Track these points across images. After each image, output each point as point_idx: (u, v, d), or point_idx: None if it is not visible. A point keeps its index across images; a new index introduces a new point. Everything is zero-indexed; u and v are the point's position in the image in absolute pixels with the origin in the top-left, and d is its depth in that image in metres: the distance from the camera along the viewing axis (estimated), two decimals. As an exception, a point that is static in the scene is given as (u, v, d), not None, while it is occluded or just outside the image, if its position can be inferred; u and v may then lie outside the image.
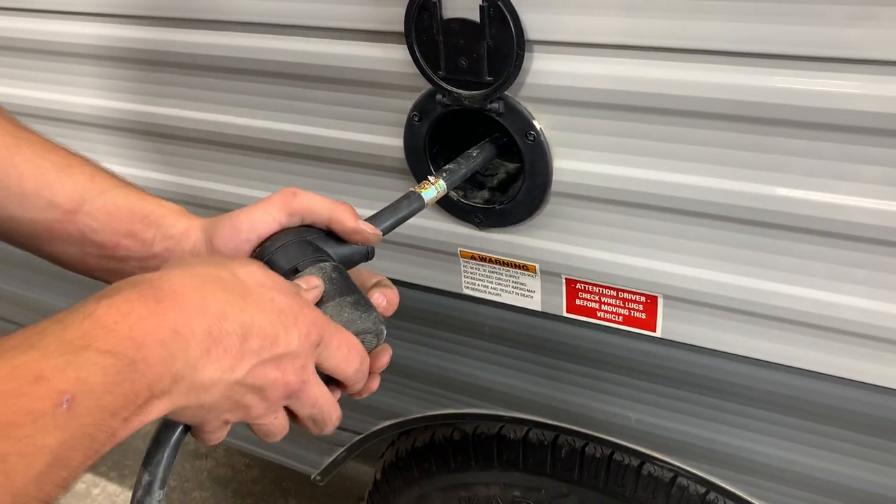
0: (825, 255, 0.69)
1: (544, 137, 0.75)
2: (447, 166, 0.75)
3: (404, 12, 0.72)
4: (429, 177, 0.73)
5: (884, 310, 0.68)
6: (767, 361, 0.77)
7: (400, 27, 0.73)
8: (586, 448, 0.98)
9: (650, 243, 0.76)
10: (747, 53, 0.62)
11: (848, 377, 0.74)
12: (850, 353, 0.72)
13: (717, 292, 0.75)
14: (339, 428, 1.15)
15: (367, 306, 0.58)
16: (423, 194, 0.70)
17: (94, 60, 0.98)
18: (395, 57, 0.76)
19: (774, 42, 0.61)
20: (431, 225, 0.87)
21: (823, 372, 0.74)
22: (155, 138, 1.00)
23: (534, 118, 0.74)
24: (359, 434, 1.14)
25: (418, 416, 1.07)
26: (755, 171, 0.67)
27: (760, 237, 0.70)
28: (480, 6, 0.68)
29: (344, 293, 0.56)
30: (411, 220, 0.88)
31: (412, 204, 0.69)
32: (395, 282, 0.94)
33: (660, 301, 0.78)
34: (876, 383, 0.73)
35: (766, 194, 0.68)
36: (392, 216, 0.67)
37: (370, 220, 0.66)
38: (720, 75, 0.64)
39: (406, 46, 0.74)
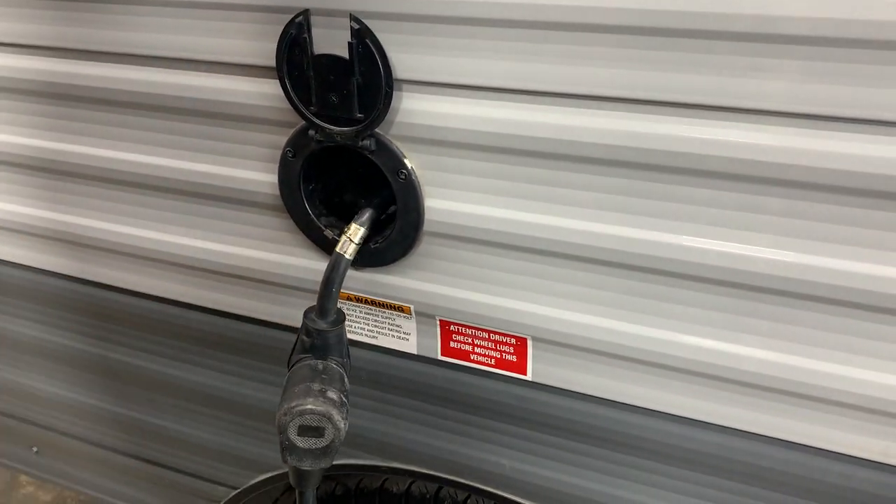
0: (691, 300, 0.70)
1: (415, 176, 0.75)
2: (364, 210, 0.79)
3: (276, 47, 0.72)
4: (349, 227, 0.77)
5: (754, 355, 0.69)
6: (639, 407, 0.77)
7: (272, 62, 0.73)
8: (468, 500, 0.96)
9: (519, 284, 0.76)
10: (614, 98, 0.64)
11: (718, 423, 0.74)
12: (722, 400, 0.73)
13: (585, 335, 0.75)
14: (214, 482, 1.10)
15: None
16: (346, 255, 0.77)
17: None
18: (269, 92, 0.76)
19: (640, 88, 0.62)
20: (307, 264, 0.85)
21: (694, 418, 0.75)
22: (20, 170, 0.96)
23: (405, 157, 0.74)
24: (235, 489, 1.08)
25: (297, 467, 1.02)
26: (622, 214, 0.69)
27: (628, 280, 0.71)
28: (349, 43, 0.69)
29: None
30: (283, 259, 0.87)
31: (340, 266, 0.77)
32: (267, 324, 0.92)
33: (529, 343, 0.78)
34: (743, 429, 0.73)
35: (634, 238, 0.69)
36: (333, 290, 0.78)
37: (323, 304, 0.77)
38: (586, 119, 0.66)
39: (279, 81, 0.74)
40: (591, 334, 0.75)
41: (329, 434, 0.75)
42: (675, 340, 0.72)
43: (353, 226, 0.78)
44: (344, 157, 0.78)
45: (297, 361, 0.79)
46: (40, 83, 0.88)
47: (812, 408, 0.70)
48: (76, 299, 1.04)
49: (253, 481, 1.06)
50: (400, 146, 0.74)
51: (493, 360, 0.81)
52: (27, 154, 0.94)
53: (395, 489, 1.02)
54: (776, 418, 0.72)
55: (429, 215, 0.76)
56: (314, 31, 0.70)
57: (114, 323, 1.04)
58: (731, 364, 0.70)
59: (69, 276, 1.03)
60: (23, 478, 2.16)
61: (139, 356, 1.04)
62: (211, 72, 0.78)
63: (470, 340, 0.81)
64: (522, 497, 0.88)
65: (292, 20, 0.70)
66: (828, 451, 0.71)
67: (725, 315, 0.69)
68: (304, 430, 0.75)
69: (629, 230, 0.69)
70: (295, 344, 0.80)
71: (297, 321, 0.89)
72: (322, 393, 0.75)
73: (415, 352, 0.85)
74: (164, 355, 1.02)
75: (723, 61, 0.59)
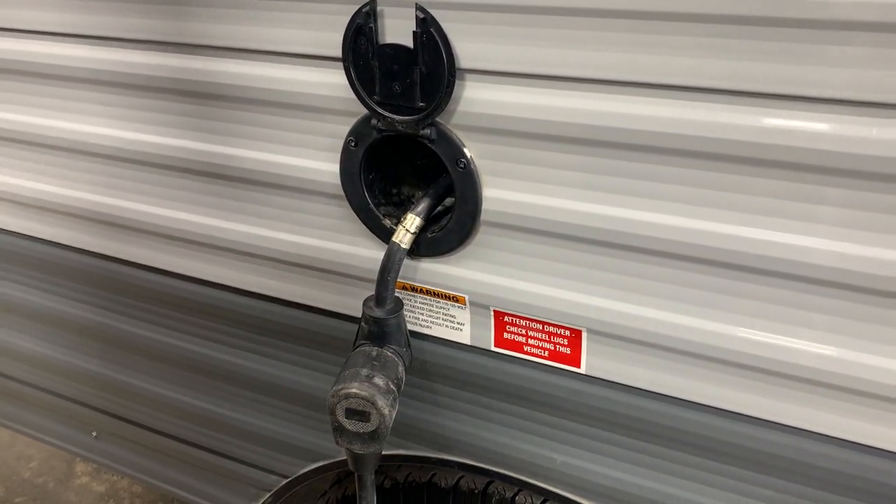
0: (758, 294, 0.69)
1: (474, 165, 0.76)
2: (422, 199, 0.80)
3: (342, 37, 0.74)
4: (406, 216, 0.79)
5: (840, 356, 0.67)
6: (694, 402, 0.76)
7: (337, 52, 0.75)
8: (517, 496, 0.95)
9: (575, 275, 0.76)
10: (677, 87, 0.64)
11: (776, 420, 0.73)
12: (782, 396, 0.71)
13: (641, 327, 0.75)
14: (266, 470, 1.12)
15: None
16: (402, 244, 0.79)
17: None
18: (333, 81, 0.78)
19: (708, 76, 0.62)
20: (362, 253, 0.86)
21: (753, 415, 0.73)
22: (81, 157, 1.00)
23: (464, 146, 0.75)
24: (286, 477, 1.10)
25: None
26: (680, 204, 0.68)
27: (685, 272, 0.71)
28: (414, 32, 0.71)
29: None
30: (341, 248, 0.88)
31: (396, 255, 0.80)
32: (325, 312, 0.94)
33: (584, 335, 0.78)
34: (807, 428, 0.72)
35: (692, 228, 0.68)
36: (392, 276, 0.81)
37: (379, 293, 0.80)
38: (648, 108, 0.66)
39: (343, 71, 0.76)
40: (647, 327, 0.74)
41: (374, 419, 0.76)
42: (731, 334, 0.71)
43: (410, 215, 0.79)
44: (404, 147, 0.80)
45: (356, 347, 0.80)
46: (115, 73, 0.92)
47: (875, 406, 0.68)
48: (138, 285, 1.08)
49: (304, 470, 1.08)
50: (460, 135, 0.75)
51: (546, 352, 0.81)
52: (104, 143, 0.98)
53: (443, 483, 1.02)
54: (835, 416, 0.70)
55: (486, 205, 0.77)
56: (379, 21, 0.72)
57: (174, 309, 1.07)
58: (789, 359, 0.69)
59: (132, 263, 1.07)
60: (78, 469, 2.23)
61: (199, 343, 1.07)
62: (276, 62, 0.81)
63: (524, 332, 0.81)
64: (573, 493, 0.87)
65: (359, 10, 0.72)
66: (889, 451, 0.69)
67: (783, 308, 0.68)
68: (351, 414, 0.77)
69: (686, 221, 0.69)
70: (357, 331, 0.82)
71: (353, 310, 0.91)
72: (369, 378, 0.77)
73: (468, 342, 0.86)
74: (224, 343, 1.04)
75: (786, 48, 0.59)
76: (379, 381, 0.77)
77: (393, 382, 0.79)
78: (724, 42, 0.60)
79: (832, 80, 0.58)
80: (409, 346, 0.84)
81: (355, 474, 0.84)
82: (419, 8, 0.69)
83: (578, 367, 0.80)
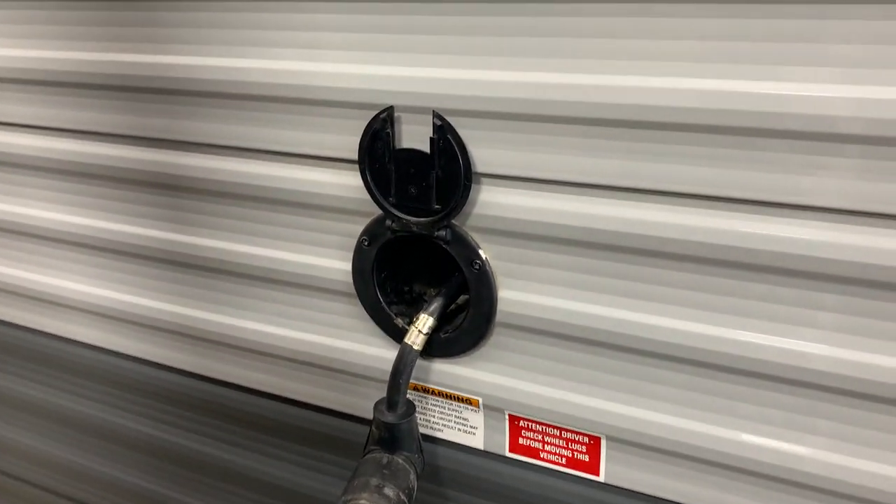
0: (784, 403, 0.67)
1: (489, 267, 0.75)
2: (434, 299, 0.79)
3: (359, 141, 0.75)
4: (418, 317, 0.78)
5: (876, 471, 0.66)
6: (717, 515, 0.73)
7: (354, 155, 0.76)
8: None
9: (594, 380, 0.74)
10: (688, 195, 0.64)
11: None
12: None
13: (662, 435, 0.72)
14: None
15: None
16: (414, 346, 0.78)
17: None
18: (348, 183, 0.78)
19: (710, 185, 0.63)
20: (373, 352, 0.85)
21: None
22: (101, 253, 1.00)
23: (479, 247, 0.75)
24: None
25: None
26: (692, 309, 0.68)
27: (709, 380, 0.69)
28: (431, 139, 0.71)
29: None
30: (353, 347, 0.87)
31: (408, 358, 0.79)
32: (335, 413, 0.91)
33: (603, 442, 0.76)
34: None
35: (712, 335, 0.67)
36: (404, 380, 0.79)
37: (391, 397, 0.78)
38: (660, 214, 0.66)
39: (359, 173, 0.76)
40: (668, 435, 0.72)
41: None
42: (767, 446, 0.69)
43: (422, 316, 0.78)
44: (417, 247, 0.80)
45: (367, 453, 0.78)
46: (136, 171, 0.93)
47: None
48: (130, 377, 1.06)
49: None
50: (475, 237, 0.75)
51: (563, 458, 0.78)
52: (119, 240, 0.98)
53: None
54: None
55: (502, 306, 0.76)
56: (396, 127, 0.73)
57: (167, 403, 1.04)
58: (842, 477, 0.67)
59: (127, 356, 1.04)
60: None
61: (196, 440, 1.04)
62: (292, 163, 0.81)
63: (540, 437, 0.79)
64: None
65: (377, 116, 0.73)
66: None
67: (786, 413, 0.67)
68: None
69: (698, 326, 0.68)
70: (368, 435, 0.79)
71: (362, 411, 0.89)
72: (379, 489, 0.74)
73: (481, 447, 0.83)
74: (223, 440, 1.01)
75: (780, 158, 0.60)
76: (389, 491, 0.75)
77: (404, 493, 0.76)
78: (724, 152, 0.61)
79: (826, 189, 0.59)
80: (421, 451, 0.81)
81: None
82: (436, 115, 0.70)
83: (597, 475, 0.77)
